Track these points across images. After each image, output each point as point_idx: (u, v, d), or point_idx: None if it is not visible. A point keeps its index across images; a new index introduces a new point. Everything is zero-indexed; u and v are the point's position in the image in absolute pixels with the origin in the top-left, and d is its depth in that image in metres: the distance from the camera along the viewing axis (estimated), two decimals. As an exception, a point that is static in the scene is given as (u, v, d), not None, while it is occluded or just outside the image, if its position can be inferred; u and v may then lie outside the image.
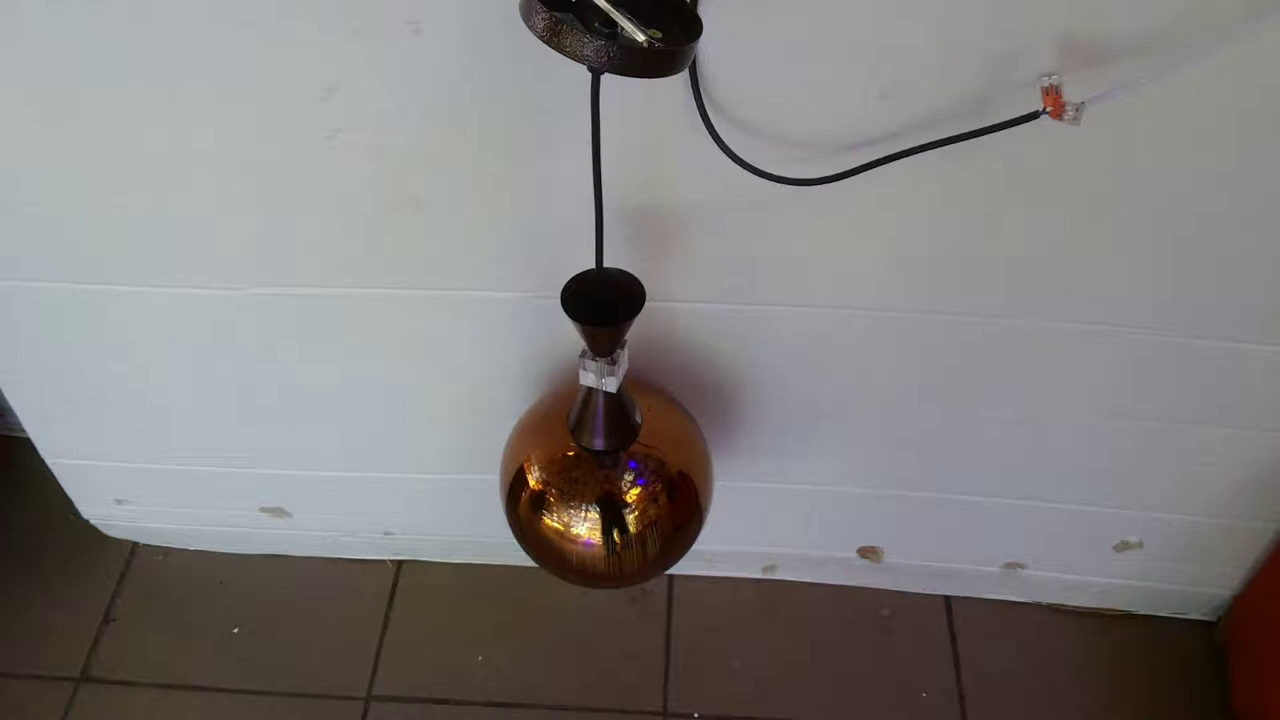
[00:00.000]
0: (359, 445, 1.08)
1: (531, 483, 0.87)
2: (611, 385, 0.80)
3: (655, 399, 0.92)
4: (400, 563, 1.26)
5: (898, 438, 1.01)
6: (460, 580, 1.24)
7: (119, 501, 1.19)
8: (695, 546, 0.91)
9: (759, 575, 1.24)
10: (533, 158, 0.76)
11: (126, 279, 0.89)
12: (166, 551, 1.27)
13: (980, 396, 0.95)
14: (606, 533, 0.85)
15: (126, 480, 1.14)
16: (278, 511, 1.18)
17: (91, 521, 1.25)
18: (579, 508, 0.85)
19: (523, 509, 0.87)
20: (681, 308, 0.88)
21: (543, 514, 0.86)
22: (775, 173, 0.72)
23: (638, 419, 0.85)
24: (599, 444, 0.84)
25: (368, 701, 1.15)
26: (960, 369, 0.92)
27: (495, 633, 1.20)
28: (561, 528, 0.86)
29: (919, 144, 0.69)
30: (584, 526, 0.85)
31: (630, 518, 0.85)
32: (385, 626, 1.21)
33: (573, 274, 0.75)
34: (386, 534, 1.21)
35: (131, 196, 0.82)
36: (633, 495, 0.85)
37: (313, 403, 1.02)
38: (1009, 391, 0.94)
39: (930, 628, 1.21)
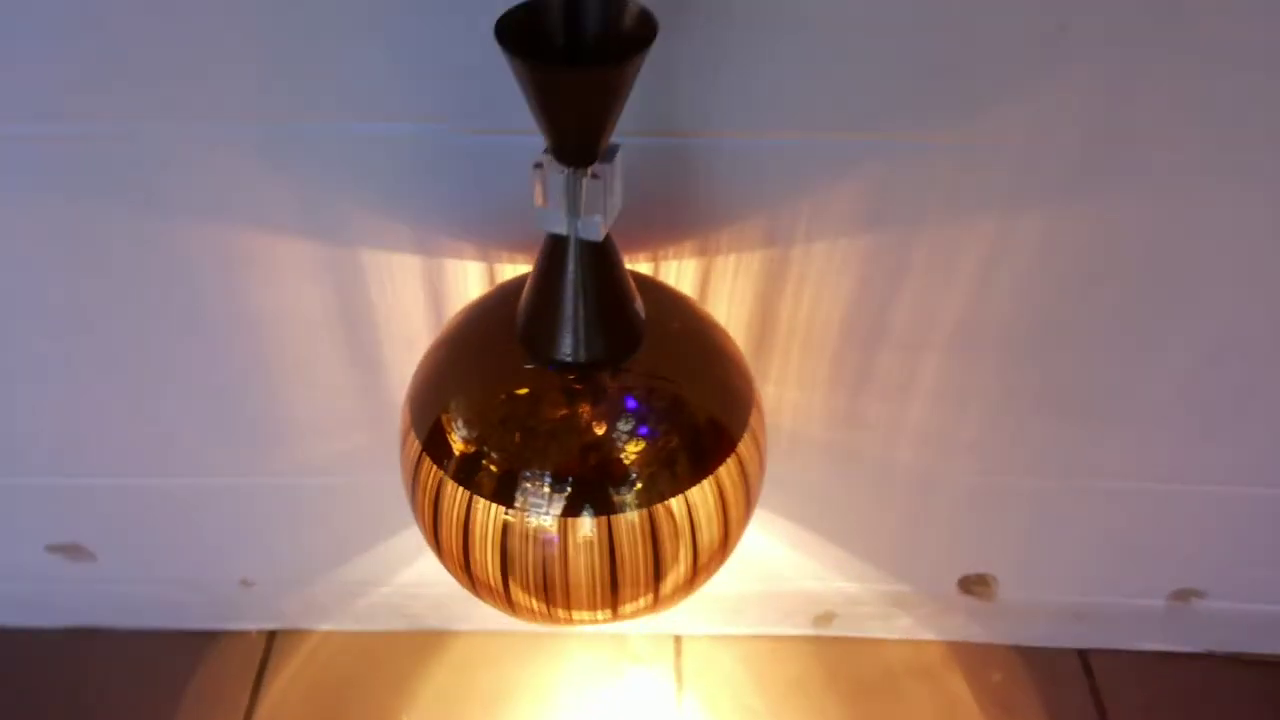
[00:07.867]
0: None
1: (457, 443, 0.48)
2: (596, 229, 0.42)
3: (662, 296, 0.54)
4: (271, 634, 0.84)
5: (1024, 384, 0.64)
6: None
7: None
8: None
9: (809, 630, 0.84)
10: None
11: None
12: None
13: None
14: (577, 524, 0.46)
15: None
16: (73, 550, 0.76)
17: None
18: (539, 480, 0.46)
19: (427, 486, 0.48)
20: (778, 145, 0.50)
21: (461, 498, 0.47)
22: None
23: (638, 307, 0.47)
24: (568, 351, 0.45)
25: None
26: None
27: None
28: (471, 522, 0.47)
29: None
30: (545, 513, 0.46)
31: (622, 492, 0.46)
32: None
33: None
34: (244, 583, 0.80)
35: None
36: (629, 454, 0.47)
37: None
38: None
39: (1063, 700, 0.82)
